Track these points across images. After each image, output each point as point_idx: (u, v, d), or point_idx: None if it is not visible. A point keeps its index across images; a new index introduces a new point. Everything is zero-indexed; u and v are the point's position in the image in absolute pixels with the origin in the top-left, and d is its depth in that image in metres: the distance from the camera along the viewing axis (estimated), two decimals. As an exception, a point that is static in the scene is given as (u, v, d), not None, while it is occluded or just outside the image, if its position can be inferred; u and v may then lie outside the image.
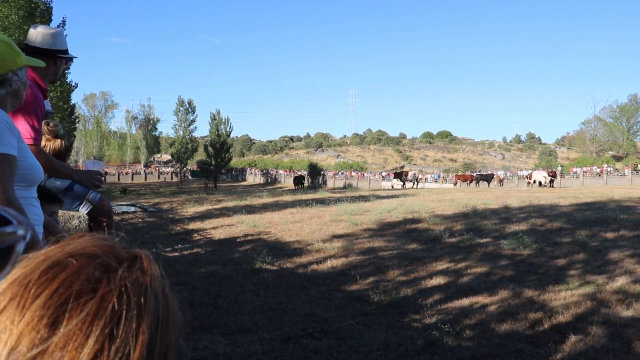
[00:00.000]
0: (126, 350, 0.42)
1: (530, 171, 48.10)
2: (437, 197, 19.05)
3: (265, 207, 16.08)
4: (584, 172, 49.89)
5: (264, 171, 64.48)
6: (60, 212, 2.46)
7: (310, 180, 51.28)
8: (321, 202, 16.50)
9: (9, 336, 0.41)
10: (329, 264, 7.35)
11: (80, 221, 2.43)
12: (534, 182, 33.91)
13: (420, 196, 19.86)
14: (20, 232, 0.45)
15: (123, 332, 0.42)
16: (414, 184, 42.66)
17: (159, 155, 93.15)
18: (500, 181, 43.56)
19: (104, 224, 2.56)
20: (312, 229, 10.62)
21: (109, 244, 0.48)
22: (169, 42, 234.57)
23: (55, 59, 2.57)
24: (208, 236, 10.68)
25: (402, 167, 79.78)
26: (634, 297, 5.18)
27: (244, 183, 58.28)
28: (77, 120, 37.60)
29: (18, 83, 1.79)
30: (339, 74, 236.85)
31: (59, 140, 2.81)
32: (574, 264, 6.89)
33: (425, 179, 52.44)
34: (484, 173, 50.05)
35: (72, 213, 2.42)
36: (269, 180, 59.01)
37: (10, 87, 1.76)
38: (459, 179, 45.37)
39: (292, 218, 12.63)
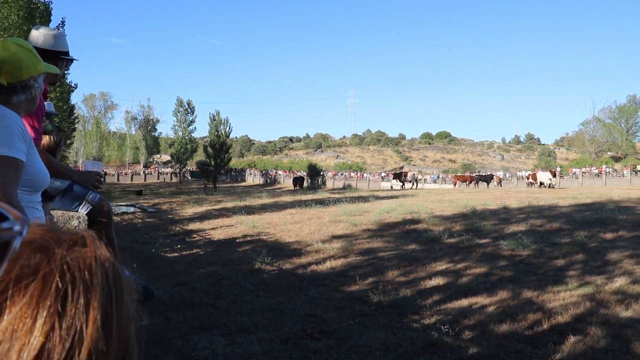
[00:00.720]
0: (79, 327, 0.41)
1: (530, 172, 48.02)
2: (436, 197, 19.05)
3: (264, 208, 16.08)
4: (583, 172, 49.98)
5: (264, 172, 64.48)
6: (60, 212, 2.47)
7: (309, 180, 51.26)
8: (320, 202, 16.50)
9: None
10: (328, 264, 7.35)
11: (79, 222, 2.43)
12: (540, 183, 33.40)
13: (419, 197, 19.86)
14: (17, 227, 0.44)
15: (72, 308, 0.42)
16: (413, 184, 42.67)
17: (158, 155, 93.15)
18: (499, 182, 43.54)
19: (104, 224, 2.55)
20: (312, 230, 10.61)
21: (47, 229, 0.47)
22: (168, 42, 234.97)
23: (56, 60, 2.57)
24: (207, 237, 10.67)
25: (402, 167, 79.79)
26: (633, 297, 5.18)
27: (243, 184, 58.30)
28: (76, 120, 37.58)
29: (38, 90, 1.81)
30: (339, 74, 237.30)
31: (47, 136, 2.81)
32: (573, 264, 6.89)
33: (425, 179, 52.45)
34: (483, 174, 50.02)
35: (71, 213, 2.42)
36: (269, 181, 59.02)
37: (30, 94, 1.77)
38: (458, 179, 45.34)
39: (291, 219, 12.62)
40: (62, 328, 0.41)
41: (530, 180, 36.73)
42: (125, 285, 0.47)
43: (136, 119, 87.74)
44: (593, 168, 54.83)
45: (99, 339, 0.42)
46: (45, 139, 2.80)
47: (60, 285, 0.42)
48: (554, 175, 36.97)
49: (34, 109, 1.90)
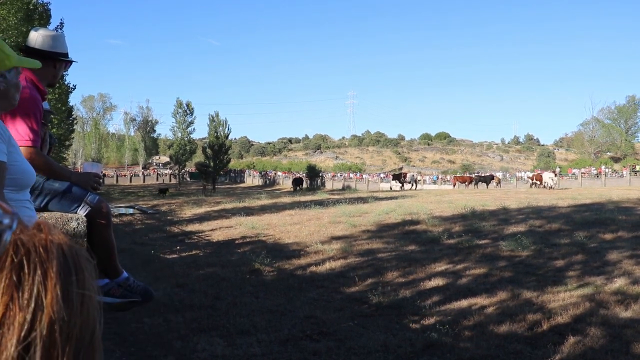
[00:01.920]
0: (38, 296, 0.42)
1: (532, 172, 47.85)
2: (435, 198, 19.05)
3: (263, 209, 16.08)
4: (582, 173, 50.02)
5: (263, 173, 64.48)
6: (58, 214, 2.46)
7: (308, 181, 51.25)
8: (320, 203, 16.50)
9: None
10: (327, 265, 7.35)
11: (78, 223, 2.43)
12: (545, 183, 32.83)
13: (418, 197, 19.87)
14: (6, 221, 0.45)
15: (29, 278, 0.43)
16: (412, 185, 42.67)
17: (157, 157, 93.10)
18: (498, 182, 43.53)
19: (102, 225, 2.55)
20: (311, 231, 10.61)
21: None
22: (167, 44, 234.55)
23: (54, 61, 2.56)
24: (206, 238, 10.67)
25: (401, 168, 79.84)
26: (633, 298, 5.18)
27: (242, 185, 58.26)
28: (75, 122, 37.56)
29: (3, 85, 1.77)
30: (338, 75, 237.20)
31: None
32: (573, 265, 6.90)
33: (424, 180, 52.45)
34: (483, 174, 50.01)
35: (70, 215, 2.42)
36: (268, 182, 58.99)
37: None
38: (457, 180, 45.33)
39: (290, 220, 12.62)
40: (23, 297, 0.42)
41: (535, 180, 36.36)
42: (85, 264, 0.48)
43: (135, 120, 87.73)
44: (592, 168, 54.85)
45: (60, 308, 0.43)
46: None
47: (14, 258, 0.43)
48: (555, 176, 36.78)
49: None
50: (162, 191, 34.90)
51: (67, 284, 0.45)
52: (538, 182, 35.07)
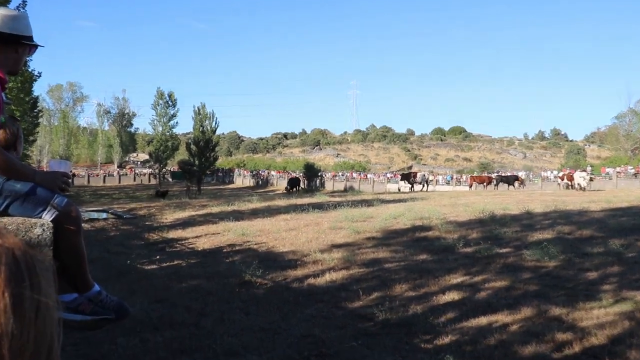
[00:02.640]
0: None
1: (562, 172, 47.77)
2: (449, 201, 19.09)
3: (255, 213, 16.09)
4: (617, 172, 50.04)
5: (254, 172, 64.62)
6: (21, 219, 2.44)
7: (306, 182, 51.36)
8: (319, 207, 16.51)
9: None
10: (327, 277, 7.35)
11: (43, 229, 2.40)
12: (577, 185, 32.49)
13: (430, 200, 19.90)
14: None
15: None
16: (423, 186, 42.74)
17: (134, 154, 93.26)
18: (521, 183, 43.56)
19: (71, 232, 2.54)
20: (309, 238, 10.62)
21: None
22: (146, 26, 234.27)
23: (16, 46, 2.54)
24: (190, 246, 10.67)
25: (410, 167, 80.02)
26: (675, 314, 5.17)
27: (231, 186, 58.40)
28: (40, 114, 37.58)
29: None
30: (338, 62, 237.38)
31: (1, 129, 2.78)
32: (608, 277, 6.89)
33: (437, 180, 52.58)
34: (504, 174, 50.08)
35: (34, 220, 2.39)
36: (260, 182, 59.14)
37: None
38: (474, 180, 45.41)
39: (285, 225, 12.64)
40: None
41: (566, 181, 36.24)
42: (41, 270, 0.48)
43: (109, 112, 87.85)
44: (629, 167, 54.86)
45: (9, 319, 0.43)
46: (0, 134, 2.76)
47: None
48: (587, 175, 36.63)
49: None
50: (162, 194, 34.19)
51: (19, 291, 0.44)
52: (570, 182, 34.95)
